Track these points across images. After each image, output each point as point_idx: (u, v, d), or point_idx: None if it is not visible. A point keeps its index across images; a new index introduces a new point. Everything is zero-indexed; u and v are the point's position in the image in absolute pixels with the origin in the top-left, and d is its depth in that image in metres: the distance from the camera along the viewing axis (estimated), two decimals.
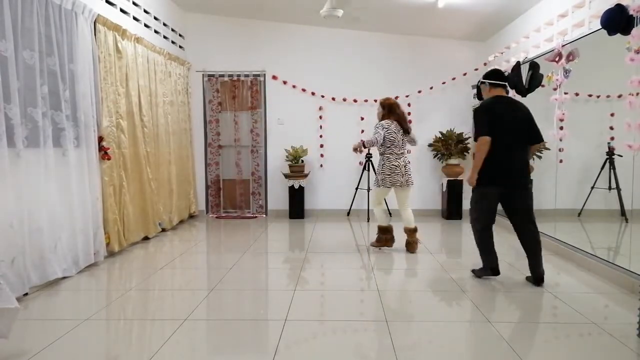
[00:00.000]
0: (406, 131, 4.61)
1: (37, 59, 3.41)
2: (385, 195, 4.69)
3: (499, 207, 3.74)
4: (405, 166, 4.55)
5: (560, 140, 4.56)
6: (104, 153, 4.31)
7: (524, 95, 5.28)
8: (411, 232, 4.63)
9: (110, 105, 4.45)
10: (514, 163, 3.52)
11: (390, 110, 4.64)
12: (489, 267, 3.67)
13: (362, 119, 6.99)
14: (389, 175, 4.51)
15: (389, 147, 4.53)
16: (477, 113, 3.60)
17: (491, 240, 3.68)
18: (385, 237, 4.77)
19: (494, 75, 3.68)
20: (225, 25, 6.87)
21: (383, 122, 4.59)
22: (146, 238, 5.21)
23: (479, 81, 3.81)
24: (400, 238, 4.78)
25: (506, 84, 3.70)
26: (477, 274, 3.76)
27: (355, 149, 4.64)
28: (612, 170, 4.63)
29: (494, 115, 3.51)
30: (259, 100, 6.99)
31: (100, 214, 4.24)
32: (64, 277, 3.67)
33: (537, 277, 3.53)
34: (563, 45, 4.38)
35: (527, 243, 3.59)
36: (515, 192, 3.55)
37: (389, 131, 4.51)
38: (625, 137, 3.41)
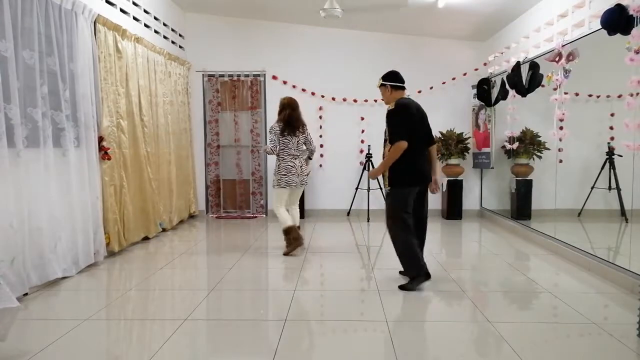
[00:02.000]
0: (293, 132, 4.59)
1: (37, 59, 3.41)
2: (285, 196, 4.69)
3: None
4: (301, 167, 4.65)
5: (560, 140, 4.56)
6: (104, 153, 4.31)
7: (524, 95, 5.29)
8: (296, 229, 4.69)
9: (110, 105, 4.45)
10: (425, 163, 3.60)
11: (280, 110, 4.69)
12: (423, 272, 3.47)
13: (362, 119, 6.99)
14: (284, 175, 4.58)
15: (282, 149, 4.59)
16: (395, 115, 3.50)
17: (415, 241, 3.54)
18: (291, 236, 4.58)
19: (394, 77, 3.66)
20: (225, 25, 6.87)
21: (275, 125, 4.63)
22: (146, 238, 5.21)
23: (381, 82, 3.70)
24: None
25: (404, 86, 3.70)
26: (411, 286, 3.46)
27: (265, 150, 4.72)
28: (612, 170, 4.63)
29: (412, 116, 3.51)
30: (259, 100, 7.00)
31: (100, 214, 4.24)
32: (64, 277, 3.67)
33: (426, 272, 3.53)
34: (563, 45, 4.38)
35: (421, 239, 3.66)
36: (425, 190, 3.63)
37: (281, 133, 4.58)
38: (625, 137, 3.41)
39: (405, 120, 3.46)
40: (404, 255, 3.51)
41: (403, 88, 3.68)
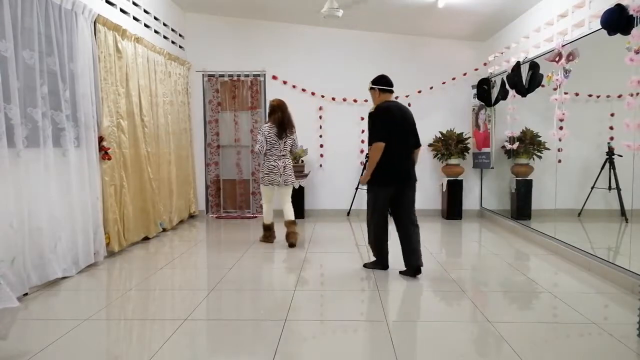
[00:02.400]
0: (282, 134, 4.77)
1: (37, 59, 3.41)
2: (270, 193, 4.97)
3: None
4: (284, 167, 4.83)
5: (560, 140, 4.56)
6: (104, 153, 4.31)
7: (524, 95, 5.29)
8: (290, 224, 4.94)
9: (110, 105, 4.45)
10: (407, 164, 3.79)
11: (270, 112, 4.89)
12: (383, 263, 3.93)
13: (362, 119, 6.98)
14: (267, 174, 4.84)
15: (269, 149, 4.80)
16: (375, 117, 3.71)
17: (386, 235, 3.89)
18: (265, 234, 5.11)
19: (383, 80, 3.86)
20: (225, 25, 6.87)
21: (264, 126, 4.87)
22: (146, 238, 5.21)
23: (370, 85, 3.95)
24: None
25: (393, 89, 3.89)
26: (371, 266, 3.99)
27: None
28: (612, 170, 4.63)
29: (393, 119, 3.68)
30: (259, 100, 7.00)
31: (100, 214, 4.23)
32: (64, 277, 3.67)
33: (414, 268, 3.72)
34: (563, 45, 4.38)
35: (401, 235, 3.81)
36: (405, 191, 3.77)
37: (269, 135, 4.78)
38: (625, 137, 3.41)
39: (384, 123, 3.67)
40: (374, 246, 3.94)
41: (391, 91, 3.88)
